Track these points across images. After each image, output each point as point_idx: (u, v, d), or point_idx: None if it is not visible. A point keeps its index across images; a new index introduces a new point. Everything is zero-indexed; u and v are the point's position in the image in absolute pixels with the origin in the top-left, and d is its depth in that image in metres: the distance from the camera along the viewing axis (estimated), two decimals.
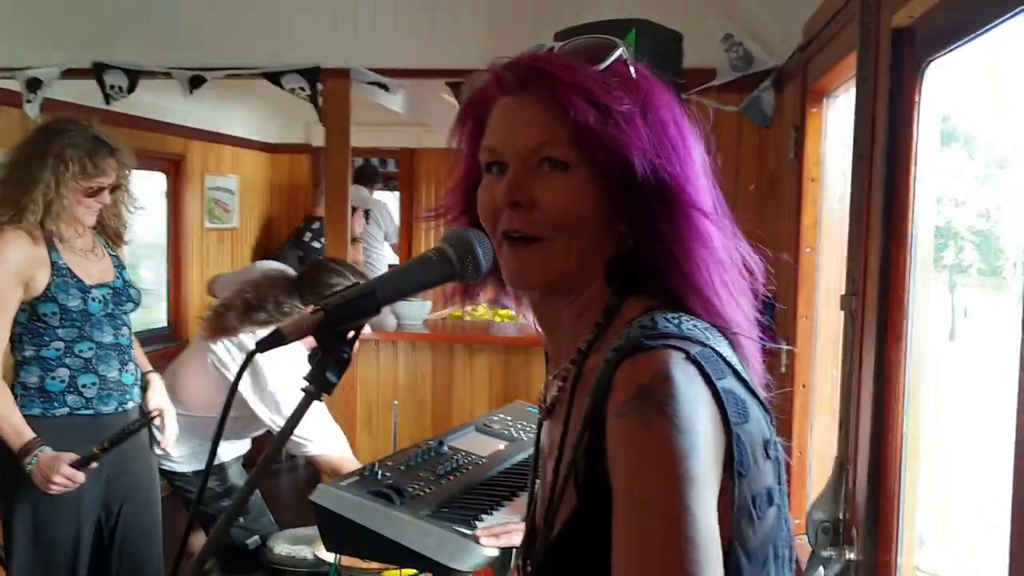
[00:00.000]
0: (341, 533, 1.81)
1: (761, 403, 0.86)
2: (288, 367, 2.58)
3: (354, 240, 5.43)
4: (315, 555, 2.61)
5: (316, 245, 6.14)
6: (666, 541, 0.73)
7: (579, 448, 0.84)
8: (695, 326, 0.87)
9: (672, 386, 0.78)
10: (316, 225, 6.20)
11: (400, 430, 4.25)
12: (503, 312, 5.34)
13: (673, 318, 0.87)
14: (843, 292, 1.91)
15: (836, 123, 2.64)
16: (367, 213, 6.53)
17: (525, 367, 4.12)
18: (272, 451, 0.99)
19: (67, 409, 2.47)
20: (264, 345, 0.92)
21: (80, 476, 2.38)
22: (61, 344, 2.47)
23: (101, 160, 2.45)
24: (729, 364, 0.85)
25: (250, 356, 0.94)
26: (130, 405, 2.61)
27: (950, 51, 1.52)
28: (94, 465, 2.43)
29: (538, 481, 1.05)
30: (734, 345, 0.91)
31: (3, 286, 2.38)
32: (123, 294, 2.58)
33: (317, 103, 3.56)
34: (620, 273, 0.93)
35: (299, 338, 0.92)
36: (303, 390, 0.95)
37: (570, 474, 0.85)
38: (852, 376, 1.79)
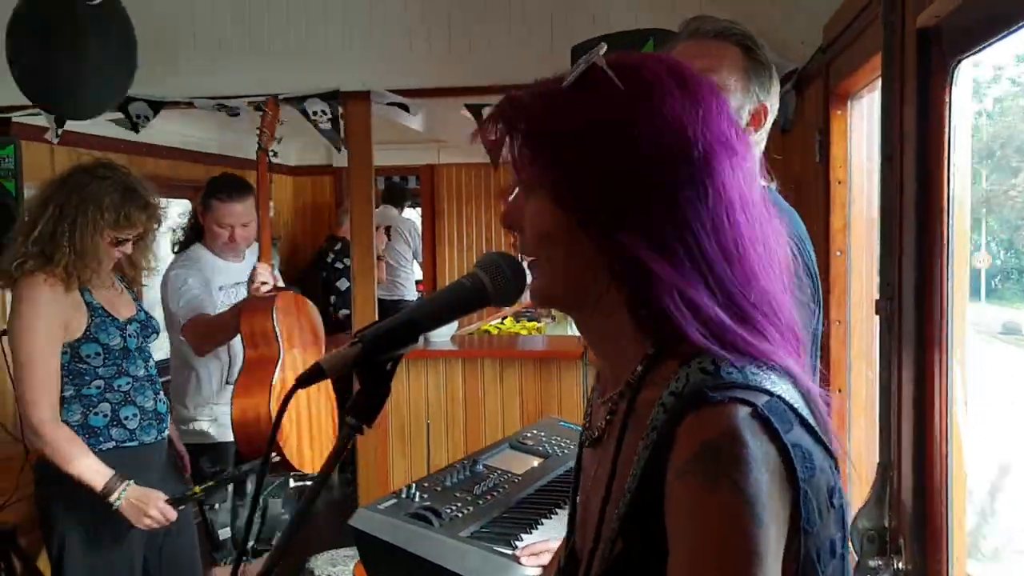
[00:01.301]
0: (382, 557, 1.81)
1: (825, 447, 0.82)
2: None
3: (377, 258, 5.45)
4: None
5: (339, 265, 6.17)
6: None
7: (632, 497, 0.82)
8: (758, 370, 0.82)
9: (740, 447, 0.75)
10: (339, 246, 6.24)
11: (432, 448, 4.26)
12: (530, 324, 5.33)
13: (736, 362, 0.82)
14: (876, 296, 1.89)
15: (860, 125, 2.61)
16: (388, 230, 6.56)
17: (556, 380, 4.11)
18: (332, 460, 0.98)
19: (113, 443, 2.51)
20: (304, 381, 0.93)
21: (173, 514, 2.40)
22: (101, 382, 2.50)
23: (132, 212, 2.46)
24: (795, 411, 0.81)
25: (292, 391, 0.94)
26: (166, 433, 2.65)
27: (979, 50, 1.50)
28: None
29: (578, 504, 1.03)
30: (794, 378, 0.86)
31: (48, 334, 2.41)
32: (148, 326, 2.63)
33: (338, 128, 3.57)
34: (642, 304, 0.87)
35: (339, 373, 0.92)
36: (345, 422, 0.95)
37: (623, 522, 0.83)
38: (891, 380, 1.77)
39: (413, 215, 7.79)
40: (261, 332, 2.86)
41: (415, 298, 6.81)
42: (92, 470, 2.38)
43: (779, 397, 0.80)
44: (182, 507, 2.44)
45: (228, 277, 3.24)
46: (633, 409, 0.88)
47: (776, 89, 1.67)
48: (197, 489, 2.42)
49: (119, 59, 3.12)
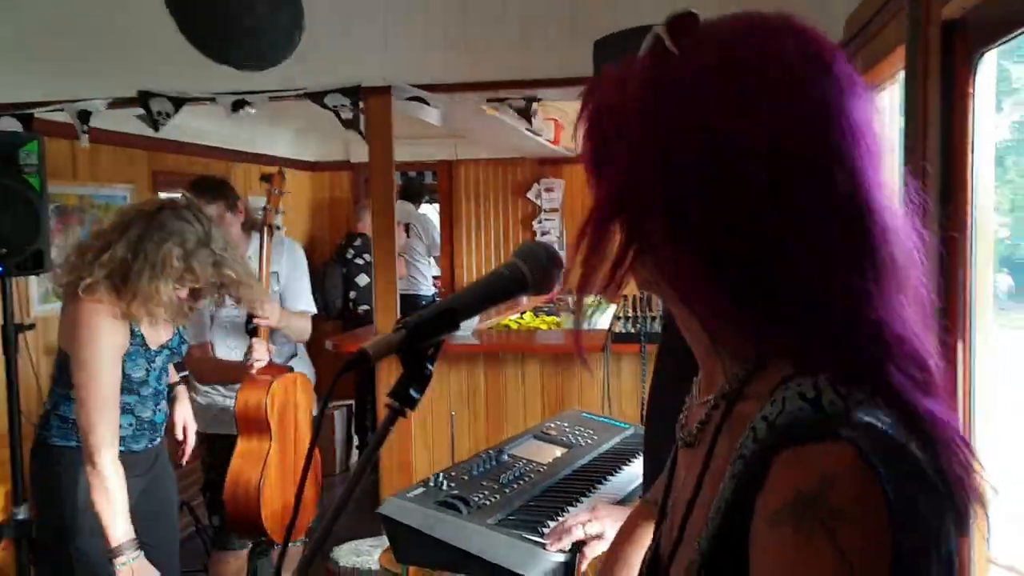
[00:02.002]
0: (411, 544, 1.84)
1: (941, 492, 0.71)
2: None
3: (398, 254, 5.48)
4: (381, 565, 2.65)
5: (359, 261, 6.21)
6: None
7: (716, 531, 0.75)
8: (865, 396, 0.72)
9: (841, 498, 0.66)
10: (358, 241, 6.28)
11: (456, 440, 4.29)
12: (549, 319, 5.36)
13: (840, 390, 0.72)
14: None
15: (882, 117, 2.62)
16: (407, 227, 6.60)
17: (576, 374, 4.14)
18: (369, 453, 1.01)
19: None
20: (350, 364, 0.96)
21: None
22: None
23: (198, 267, 2.47)
24: (903, 450, 0.71)
25: (337, 377, 0.97)
26: (157, 442, 2.71)
27: (1004, 42, 1.51)
28: None
29: (668, 507, 0.96)
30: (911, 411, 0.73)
31: (112, 364, 2.44)
32: (176, 351, 2.69)
33: (358, 123, 3.60)
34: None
35: (383, 357, 0.95)
36: (387, 406, 0.98)
37: (703, 557, 0.76)
38: None
39: (429, 211, 7.84)
40: (255, 421, 3.03)
41: (431, 293, 6.84)
42: (118, 524, 2.38)
43: (886, 434, 0.70)
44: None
45: None
46: (728, 420, 0.80)
47: None
48: None
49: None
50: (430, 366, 0.98)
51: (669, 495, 0.95)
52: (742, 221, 0.74)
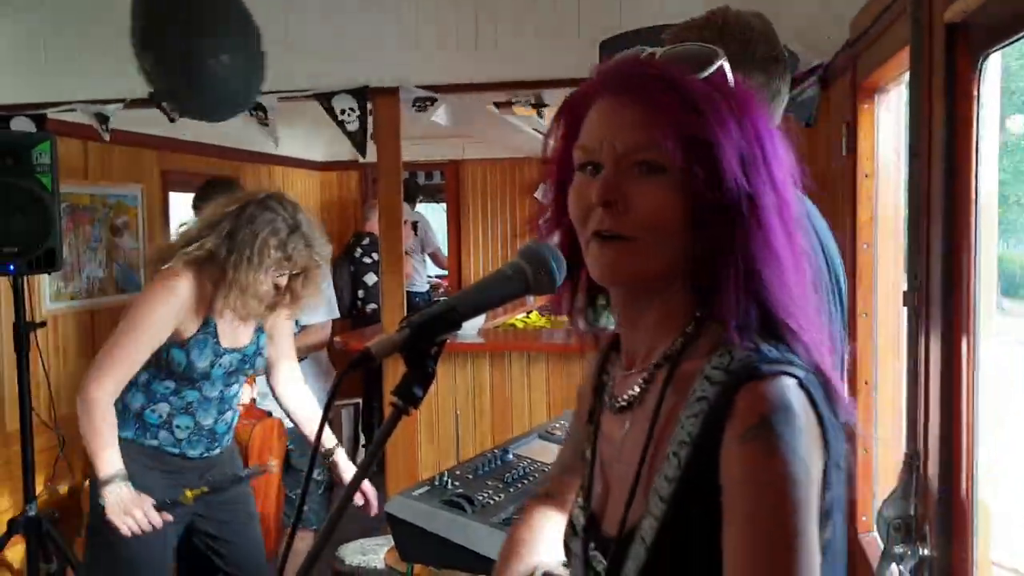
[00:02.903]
0: (416, 542, 1.86)
1: (839, 422, 0.92)
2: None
3: (405, 253, 5.50)
4: (387, 564, 2.66)
5: (367, 260, 6.23)
6: (784, 566, 0.83)
7: (686, 462, 0.90)
8: (788, 352, 0.92)
9: (793, 416, 0.86)
10: (366, 241, 6.30)
11: (461, 439, 4.31)
12: (559, 321, 5.36)
13: (771, 341, 0.92)
14: (903, 288, 1.91)
15: (887, 119, 2.62)
16: (415, 225, 6.62)
17: (581, 373, 4.14)
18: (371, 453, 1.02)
19: (156, 442, 2.52)
20: (354, 363, 0.97)
21: (157, 519, 2.35)
22: (172, 384, 2.52)
23: (295, 252, 2.48)
24: (823, 384, 0.91)
25: (341, 376, 0.98)
26: (216, 452, 2.63)
27: (1007, 45, 1.51)
28: (169, 517, 2.40)
29: (595, 470, 1.07)
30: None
31: (158, 327, 2.42)
32: (249, 361, 2.62)
33: (364, 135, 3.60)
34: (704, 284, 0.95)
35: (387, 356, 0.96)
36: (391, 404, 0.99)
37: (678, 485, 0.90)
38: (919, 371, 1.79)
39: (431, 210, 7.89)
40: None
41: (424, 291, 6.87)
42: (105, 458, 2.37)
43: (808, 374, 0.90)
44: (172, 512, 2.39)
45: None
46: (672, 378, 0.96)
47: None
48: (189, 494, 2.41)
49: (251, 57, 3.05)
50: (433, 365, 0.98)
51: (594, 463, 1.07)
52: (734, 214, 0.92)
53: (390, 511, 1.87)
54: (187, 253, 2.44)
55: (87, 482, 2.84)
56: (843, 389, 0.95)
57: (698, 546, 0.88)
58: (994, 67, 1.64)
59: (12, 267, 3.10)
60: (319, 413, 2.61)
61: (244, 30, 3.01)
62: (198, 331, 2.48)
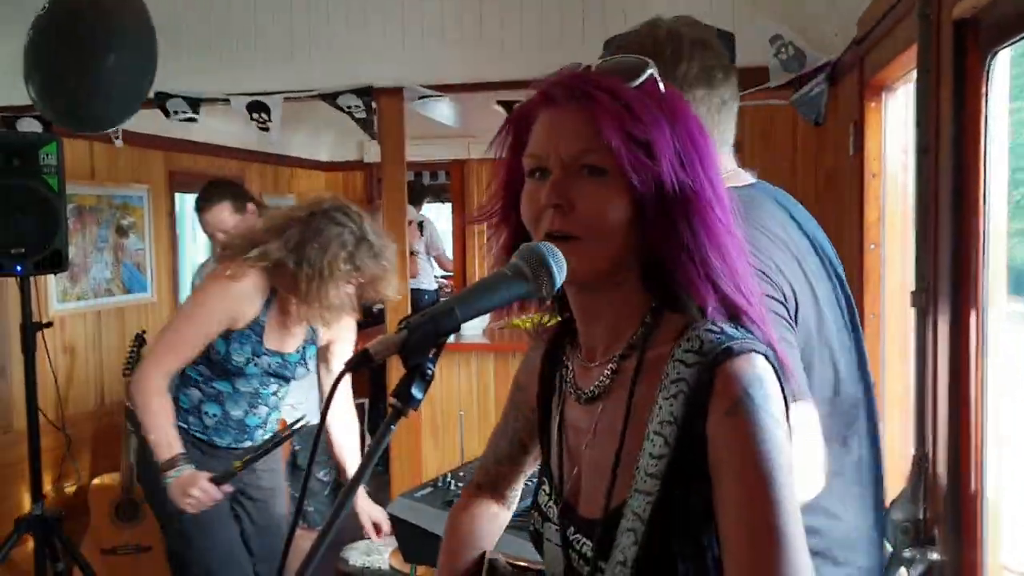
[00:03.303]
0: (419, 543, 1.85)
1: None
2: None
3: (411, 253, 5.51)
4: (391, 565, 2.65)
5: None
6: (777, 525, 0.92)
7: (674, 442, 0.97)
8: (745, 328, 1.02)
9: (768, 388, 0.96)
10: None
11: (465, 440, 4.30)
12: None
13: (733, 325, 1.01)
14: (911, 288, 1.89)
15: (895, 117, 2.60)
16: (421, 225, 6.62)
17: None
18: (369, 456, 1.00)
19: (186, 425, 2.56)
20: (352, 364, 0.96)
21: (216, 492, 2.41)
22: (207, 372, 2.57)
23: (364, 262, 2.49)
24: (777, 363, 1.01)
25: (340, 377, 0.97)
26: (246, 444, 2.65)
27: (1016, 42, 1.50)
28: (228, 488, 2.46)
29: (564, 459, 1.13)
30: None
31: (217, 319, 2.47)
32: (290, 368, 2.63)
33: (372, 123, 3.62)
34: (656, 276, 1.03)
35: (385, 357, 0.95)
36: (389, 406, 0.98)
37: (669, 466, 0.97)
38: (927, 372, 1.77)
39: (435, 210, 7.92)
40: None
41: (433, 288, 6.86)
42: (165, 440, 2.42)
43: (768, 350, 1.00)
44: (227, 483, 2.43)
45: None
46: (642, 367, 1.03)
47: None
48: (238, 464, 2.45)
49: (137, 67, 3.12)
50: (432, 366, 0.97)
51: (562, 452, 1.13)
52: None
53: (393, 512, 1.86)
54: (250, 259, 2.46)
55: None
56: (792, 365, 1.05)
57: (692, 516, 0.96)
58: (1003, 64, 1.62)
59: (19, 268, 3.11)
60: (350, 436, 2.66)
61: (137, 28, 3.03)
62: (245, 326, 2.51)
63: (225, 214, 3.35)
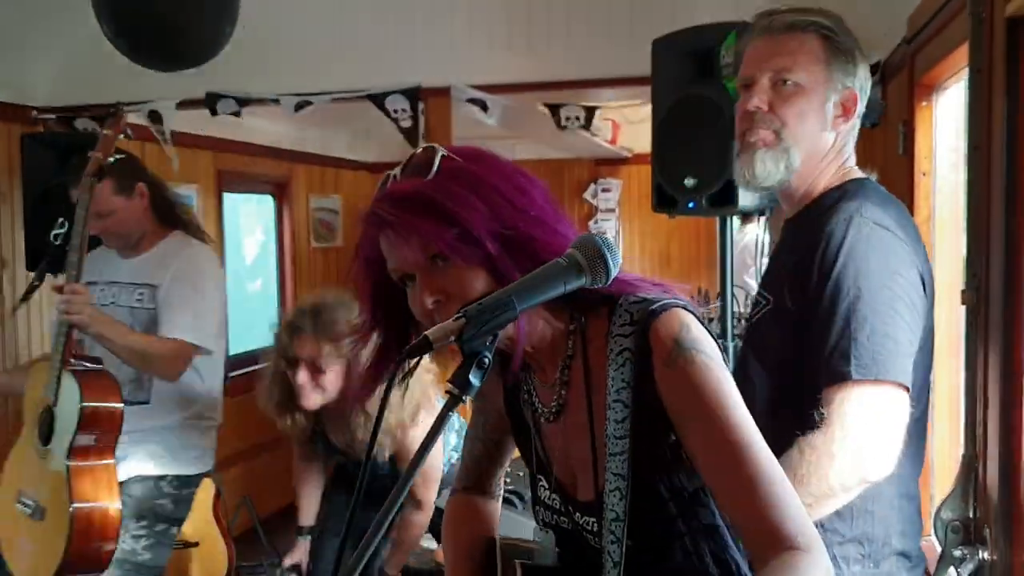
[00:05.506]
0: None
1: None
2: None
3: None
4: (436, 563, 2.68)
5: None
6: (744, 441, 1.04)
7: (633, 400, 1.10)
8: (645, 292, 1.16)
9: (697, 330, 1.10)
10: None
11: None
12: None
13: (640, 294, 1.14)
14: (961, 287, 1.87)
15: (945, 116, 2.58)
16: None
17: None
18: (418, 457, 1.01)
19: None
20: (413, 351, 0.99)
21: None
22: None
23: (296, 341, 2.56)
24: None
25: (401, 359, 1.01)
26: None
27: None
28: None
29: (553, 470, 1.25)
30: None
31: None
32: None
33: (417, 133, 3.63)
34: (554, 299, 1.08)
35: (444, 343, 0.98)
36: (447, 391, 1.01)
37: (633, 420, 1.10)
38: (977, 371, 1.76)
39: None
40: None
41: None
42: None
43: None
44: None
45: (110, 274, 2.87)
46: (588, 364, 1.17)
47: (864, 71, 1.58)
48: None
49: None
50: (489, 354, 1.00)
51: (548, 458, 1.26)
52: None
53: (441, 507, 1.89)
54: None
55: None
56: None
57: (664, 459, 1.12)
58: None
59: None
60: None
61: None
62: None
63: (109, 193, 2.74)
